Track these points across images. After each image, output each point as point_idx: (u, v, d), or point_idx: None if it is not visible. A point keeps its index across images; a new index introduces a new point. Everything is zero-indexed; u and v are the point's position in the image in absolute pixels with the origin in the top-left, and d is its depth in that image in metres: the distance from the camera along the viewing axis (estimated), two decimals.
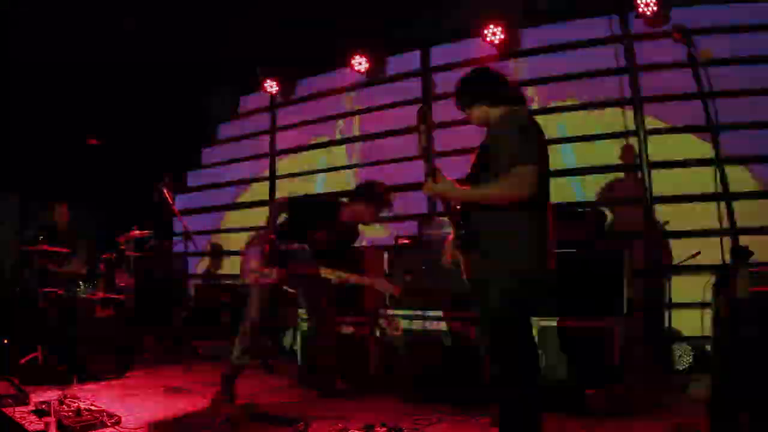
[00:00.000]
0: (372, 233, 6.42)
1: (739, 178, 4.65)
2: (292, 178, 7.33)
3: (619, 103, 5.27)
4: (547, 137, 2.80)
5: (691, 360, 4.31)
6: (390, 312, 4.48)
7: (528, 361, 2.67)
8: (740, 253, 2.23)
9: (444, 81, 6.14)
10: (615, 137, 5.30)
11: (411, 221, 5.99)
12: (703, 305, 4.21)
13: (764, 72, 4.73)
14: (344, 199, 4.33)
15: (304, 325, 4.80)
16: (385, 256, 4.97)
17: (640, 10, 4.92)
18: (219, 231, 7.91)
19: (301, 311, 4.81)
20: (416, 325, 4.29)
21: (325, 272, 4.08)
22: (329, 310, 4.34)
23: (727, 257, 2.28)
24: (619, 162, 5.30)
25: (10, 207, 7.11)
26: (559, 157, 5.44)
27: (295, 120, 7.37)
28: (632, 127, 5.19)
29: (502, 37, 5.58)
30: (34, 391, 3.92)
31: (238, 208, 7.79)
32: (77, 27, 6.20)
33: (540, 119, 2.84)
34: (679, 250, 4.88)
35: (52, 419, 3.17)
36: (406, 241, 4.98)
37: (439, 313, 4.24)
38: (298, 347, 5.00)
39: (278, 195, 7.34)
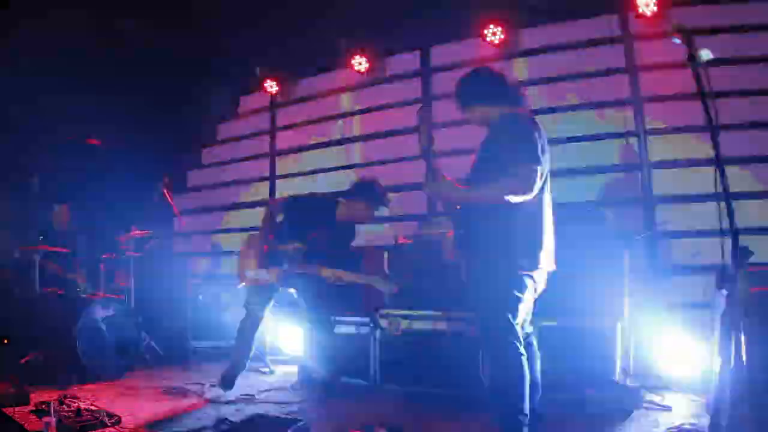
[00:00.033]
0: (372, 233, 6.42)
1: (739, 178, 4.65)
2: (292, 178, 7.32)
3: (619, 103, 5.27)
4: (547, 137, 2.80)
5: (690, 360, 4.30)
6: (390, 312, 4.47)
7: (526, 361, 2.67)
8: (740, 253, 2.22)
9: (444, 81, 6.14)
10: (615, 137, 5.30)
11: (411, 221, 5.99)
12: (703, 305, 4.22)
13: (764, 72, 4.73)
14: (340, 198, 4.32)
15: (305, 325, 4.80)
16: (385, 256, 4.97)
17: (640, 10, 4.92)
18: (219, 231, 7.90)
19: (301, 311, 4.80)
20: (416, 325, 4.29)
21: (323, 271, 4.08)
22: (328, 310, 4.34)
23: (727, 257, 2.28)
24: (619, 162, 5.29)
25: (10, 207, 7.11)
26: (559, 157, 5.43)
27: (295, 120, 7.37)
28: (632, 127, 5.18)
29: (502, 37, 5.58)
30: (34, 391, 3.92)
31: (238, 208, 7.78)
32: (77, 27, 6.20)
33: (540, 119, 2.84)
34: (679, 250, 4.88)
35: (52, 419, 3.17)
36: (406, 241, 4.98)
37: (439, 313, 4.23)
38: (298, 347, 5.00)
39: (278, 195, 7.34)
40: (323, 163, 7.10)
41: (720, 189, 2.20)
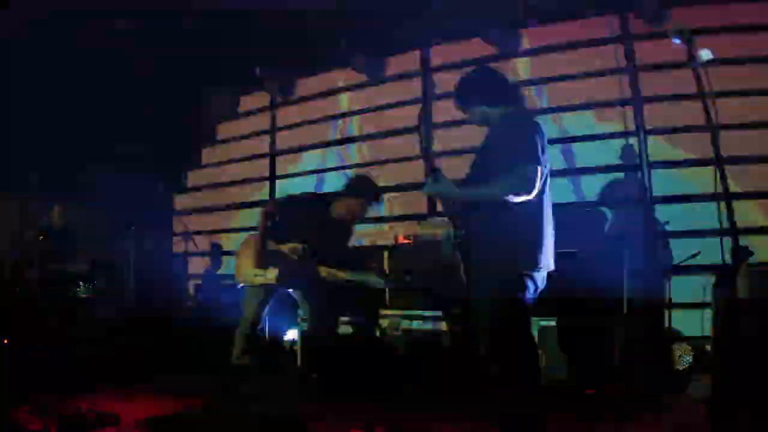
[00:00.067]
0: (372, 233, 6.43)
1: (739, 178, 4.65)
2: (292, 178, 7.32)
3: (619, 103, 5.27)
4: (547, 137, 2.80)
5: (691, 360, 4.30)
6: (390, 312, 4.48)
7: (528, 361, 2.67)
8: (740, 253, 2.23)
9: (444, 81, 6.14)
10: (615, 137, 5.30)
11: (411, 221, 5.99)
12: (703, 305, 4.22)
13: (764, 72, 4.73)
14: (335, 196, 4.32)
15: (304, 325, 4.80)
16: (385, 256, 4.97)
17: (640, 10, 4.92)
18: (219, 231, 7.91)
19: (300, 311, 4.81)
20: (416, 325, 4.29)
21: (320, 271, 4.09)
22: (327, 310, 4.33)
23: (727, 257, 2.28)
24: (619, 162, 5.30)
25: (10, 207, 7.11)
26: (560, 157, 5.44)
27: (295, 120, 7.37)
28: (632, 127, 5.19)
29: (502, 37, 5.58)
30: (35, 391, 3.92)
31: (238, 208, 7.78)
32: (77, 26, 6.20)
33: (540, 119, 2.84)
34: (679, 250, 4.88)
35: (52, 419, 3.18)
36: (406, 241, 4.98)
37: (439, 313, 4.23)
38: (298, 347, 5.00)
39: (278, 195, 7.34)
40: (323, 163, 7.11)
41: (720, 189, 2.20)
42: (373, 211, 4.39)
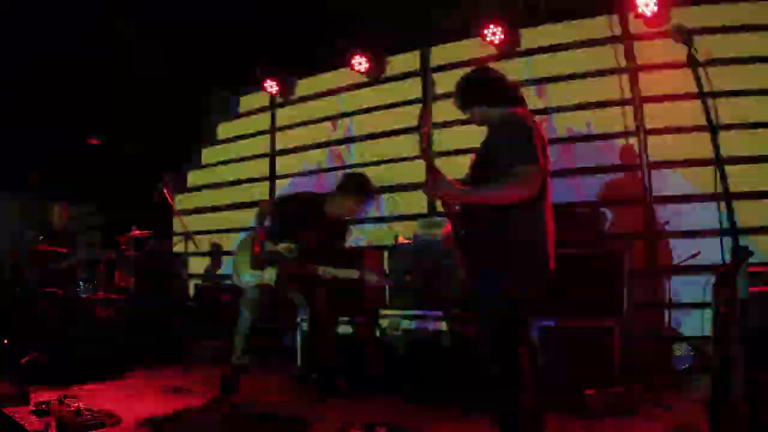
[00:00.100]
0: (372, 233, 6.43)
1: (739, 178, 4.65)
2: (292, 178, 7.32)
3: (619, 103, 5.27)
4: (547, 137, 2.80)
5: (691, 360, 4.30)
6: (390, 312, 4.48)
7: (526, 361, 2.67)
8: (740, 253, 2.22)
9: (444, 81, 6.14)
10: (615, 137, 5.30)
11: (411, 221, 5.99)
12: (703, 305, 4.22)
13: (764, 72, 4.73)
14: (329, 195, 4.32)
15: (304, 325, 4.80)
16: (385, 255, 4.98)
17: (640, 10, 4.92)
18: (219, 231, 7.91)
19: (299, 311, 4.81)
20: (416, 325, 4.29)
21: (317, 270, 4.09)
22: (326, 309, 4.33)
23: (727, 257, 2.28)
24: (619, 162, 5.29)
25: (10, 207, 7.11)
26: (560, 156, 5.44)
27: (295, 120, 7.37)
28: (632, 127, 5.18)
29: (502, 37, 5.58)
30: (35, 391, 3.92)
31: (238, 208, 7.78)
32: (77, 26, 6.20)
33: (540, 119, 2.84)
34: (679, 250, 4.88)
35: (52, 419, 3.18)
36: (406, 241, 4.98)
37: (439, 313, 4.24)
38: (298, 347, 5.01)
39: (278, 195, 7.34)
40: (323, 163, 7.11)
41: (720, 189, 2.20)
42: (373, 211, 4.39)
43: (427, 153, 2.78)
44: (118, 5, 6.16)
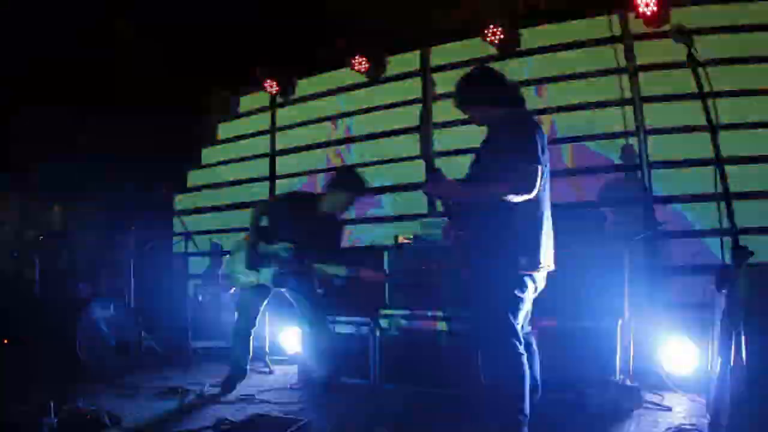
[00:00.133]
0: (372, 233, 6.43)
1: (739, 178, 4.65)
2: (292, 178, 7.32)
3: (619, 103, 5.27)
4: (547, 137, 2.80)
5: (691, 360, 4.29)
6: (390, 312, 4.47)
7: (525, 361, 2.67)
8: (740, 253, 2.22)
9: (444, 81, 6.14)
10: (615, 137, 5.30)
11: (411, 221, 5.99)
12: (703, 305, 4.21)
13: (764, 72, 4.73)
14: (321, 192, 4.32)
15: (303, 325, 4.80)
16: (385, 256, 4.97)
17: (640, 10, 4.92)
18: (219, 231, 7.91)
19: (297, 310, 4.80)
20: (416, 325, 4.28)
21: (313, 268, 4.09)
22: (324, 308, 4.33)
23: (727, 257, 2.28)
24: (619, 162, 5.30)
25: (10, 207, 7.11)
26: (560, 156, 5.44)
27: (295, 120, 7.37)
28: (632, 127, 5.18)
29: (502, 37, 5.58)
30: (35, 391, 3.92)
31: (238, 208, 7.78)
32: (77, 26, 6.21)
33: (540, 119, 2.84)
34: (679, 250, 4.88)
35: (52, 419, 3.17)
36: (406, 241, 4.97)
37: (439, 313, 4.23)
38: (297, 347, 5.00)
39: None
40: (323, 163, 7.11)
41: (720, 189, 2.20)
42: (372, 211, 4.39)
43: (427, 153, 2.79)
44: (118, 5, 6.17)
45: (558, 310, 3.79)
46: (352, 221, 6.63)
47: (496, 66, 3.29)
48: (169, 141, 7.69)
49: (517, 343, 2.67)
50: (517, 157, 2.56)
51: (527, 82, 5.60)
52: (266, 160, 7.60)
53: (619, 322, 3.78)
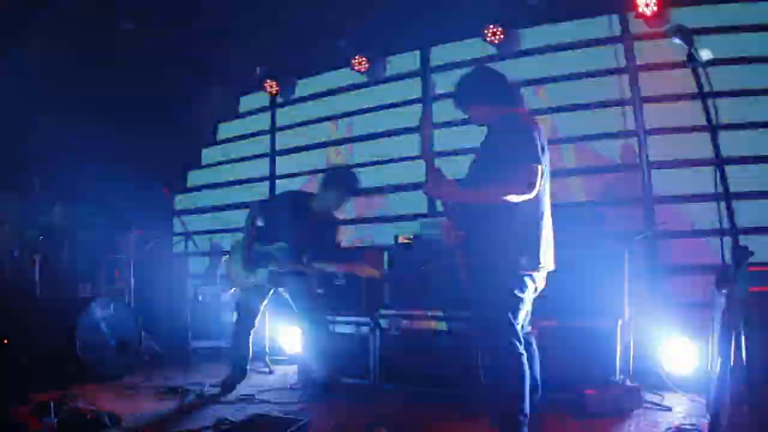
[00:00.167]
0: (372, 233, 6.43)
1: (739, 178, 4.65)
2: (292, 178, 7.32)
3: (619, 103, 5.27)
4: (547, 137, 2.80)
5: (691, 360, 4.30)
6: (390, 312, 4.47)
7: (525, 361, 2.67)
8: (740, 253, 2.22)
9: (444, 81, 6.14)
10: (615, 137, 5.30)
11: (411, 221, 6.00)
12: (703, 305, 4.21)
13: (764, 72, 4.73)
14: (314, 191, 4.32)
15: (302, 325, 4.80)
16: (385, 255, 4.97)
17: (640, 10, 4.92)
18: (219, 231, 7.91)
19: (295, 310, 4.80)
20: (416, 325, 4.29)
21: (309, 267, 4.10)
22: (321, 308, 4.33)
23: (727, 257, 2.28)
24: (619, 162, 5.30)
25: (10, 207, 7.10)
26: (559, 156, 5.44)
27: (295, 120, 7.37)
28: (632, 127, 5.18)
29: (502, 37, 5.58)
30: (35, 391, 3.92)
31: (238, 208, 7.78)
32: (77, 26, 6.20)
33: (540, 119, 2.84)
34: (679, 250, 4.88)
35: (52, 419, 3.17)
36: (406, 241, 4.98)
37: (439, 313, 4.23)
38: (297, 347, 5.00)
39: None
40: (323, 163, 7.10)
41: (720, 189, 2.20)
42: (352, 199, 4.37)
43: (427, 153, 2.79)
44: (118, 5, 6.16)
45: (558, 310, 3.80)
46: (352, 221, 6.64)
47: (496, 66, 3.29)
48: (169, 141, 7.68)
49: (518, 343, 2.67)
50: (516, 157, 2.56)
51: (527, 82, 5.60)
52: (266, 160, 7.60)
53: (619, 322, 3.78)
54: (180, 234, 7.09)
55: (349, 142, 6.92)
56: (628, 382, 3.68)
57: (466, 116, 2.95)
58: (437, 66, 6.28)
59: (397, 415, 3.57)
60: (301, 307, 4.28)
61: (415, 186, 6.03)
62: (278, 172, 7.50)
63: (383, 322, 4.36)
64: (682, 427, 3.20)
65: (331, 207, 4.23)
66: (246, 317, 4.33)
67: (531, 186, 2.55)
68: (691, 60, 2.34)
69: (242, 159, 7.86)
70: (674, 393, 3.93)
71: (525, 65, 5.74)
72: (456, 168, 2.95)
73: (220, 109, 8.02)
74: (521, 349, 2.68)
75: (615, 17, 5.29)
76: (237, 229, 7.52)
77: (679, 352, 4.20)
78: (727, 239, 2.19)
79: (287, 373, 5.04)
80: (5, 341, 4.78)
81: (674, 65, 4.92)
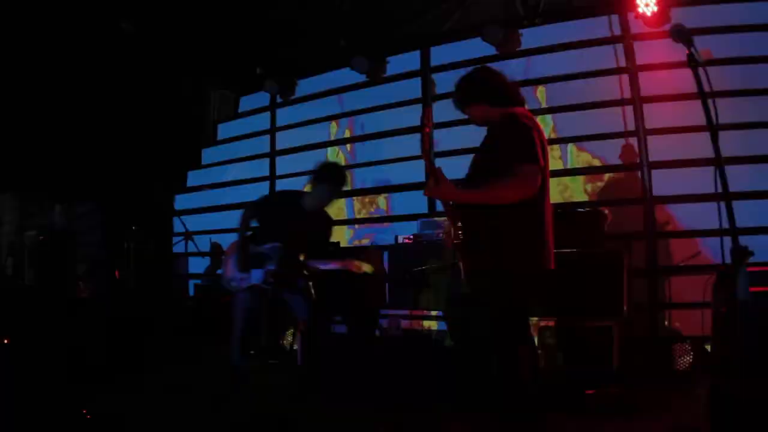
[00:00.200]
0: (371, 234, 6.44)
1: (739, 178, 4.65)
2: (292, 178, 7.32)
3: (619, 103, 5.27)
4: (547, 137, 2.80)
5: (691, 360, 4.30)
6: (390, 312, 4.48)
7: (526, 359, 2.67)
8: (740, 253, 2.22)
9: (444, 81, 6.14)
10: (615, 137, 5.30)
11: (411, 221, 6.00)
12: (703, 305, 4.22)
13: (765, 72, 4.73)
14: (305, 189, 4.33)
15: (300, 324, 4.80)
16: (385, 255, 4.98)
17: (640, 10, 4.92)
18: (219, 231, 7.91)
19: (293, 310, 4.80)
20: (416, 324, 4.29)
21: (304, 265, 4.10)
22: (318, 307, 4.33)
23: (727, 257, 2.28)
24: (619, 162, 5.30)
25: (10, 207, 7.11)
26: (560, 156, 5.45)
27: (295, 120, 7.38)
28: (632, 127, 5.18)
29: (502, 37, 5.58)
30: (34, 392, 3.91)
31: (238, 208, 7.78)
32: (78, 26, 6.21)
33: (540, 119, 2.84)
34: (679, 250, 4.88)
35: (52, 419, 3.17)
36: (407, 241, 4.98)
37: (439, 313, 4.24)
38: (296, 346, 5.00)
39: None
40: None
41: (720, 189, 2.20)
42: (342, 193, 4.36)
43: (428, 154, 2.79)
44: (119, 5, 6.17)
45: (558, 310, 3.80)
46: (355, 221, 6.65)
47: (496, 66, 3.29)
48: (169, 141, 7.69)
49: (529, 339, 2.68)
50: (516, 157, 2.56)
51: (527, 82, 5.60)
52: (266, 160, 7.60)
53: (619, 321, 3.78)
54: (180, 234, 7.11)
55: (349, 142, 6.92)
56: (628, 382, 3.68)
57: (466, 116, 2.95)
58: (437, 66, 6.28)
59: (398, 415, 3.57)
60: (298, 307, 4.28)
61: (415, 186, 6.03)
62: (278, 172, 7.50)
63: (383, 322, 4.36)
64: (682, 426, 3.20)
65: (322, 203, 4.23)
66: (244, 318, 4.33)
67: (531, 186, 2.55)
68: (691, 60, 2.34)
69: (242, 159, 7.87)
70: (674, 391, 3.93)
71: (525, 65, 5.74)
72: (456, 168, 2.95)
73: (220, 109, 8.03)
74: (521, 348, 2.68)
75: (615, 17, 5.29)
76: (237, 229, 7.54)
77: (679, 352, 4.21)
78: (727, 239, 2.19)
79: (287, 371, 5.04)
80: (5, 341, 4.78)
81: (674, 65, 4.93)
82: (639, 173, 5.12)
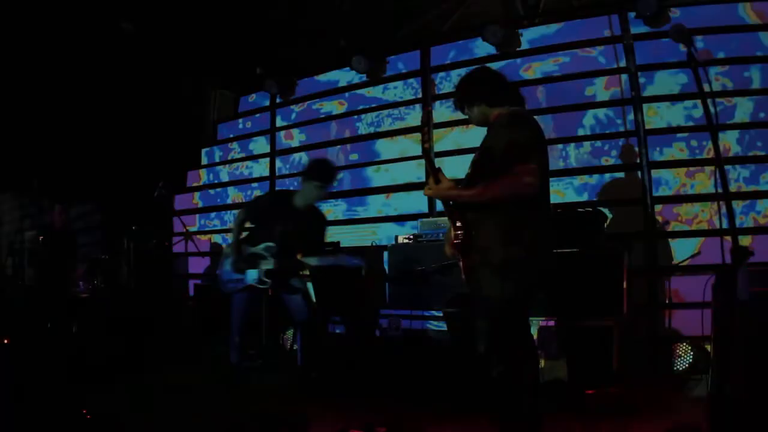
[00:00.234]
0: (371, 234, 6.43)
1: (739, 177, 4.65)
2: (292, 177, 7.33)
3: (619, 103, 5.27)
4: (546, 137, 2.80)
5: (691, 360, 4.30)
6: (390, 312, 4.48)
7: (527, 360, 2.67)
8: (740, 253, 2.22)
9: (444, 81, 6.15)
10: (615, 137, 5.30)
11: (411, 221, 6.00)
12: (703, 305, 4.21)
13: (765, 72, 4.73)
14: (296, 188, 4.33)
15: (299, 324, 4.80)
16: (385, 255, 4.98)
17: (640, 10, 4.92)
18: (219, 231, 7.91)
19: (290, 310, 4.81)
20: (416, 324, 4.29)
21: (300, 264, 4.11)
22: (314, 307, 4.33)
23: (727, 257, 2.28)
24: (619, 162, 5.30)
25: (10, 207, 7.12)
26: (559, 156, 5.45)
27: (295, 120, 7.38)
28: (632, 127, 5.18)
29: (503, 37, 5.58)
30: (35, 392, 3.92)
31: (238, 208, 7.78)
32: (78, 26, 6.21)
33: (540, 119, 2.84)
34: (679, 250, 4.88)
35: (52, 420, 3.17)
36: (406, 241, 4.98)
37: (439, 313, 4.24)
38: (295, 346, 5.01)
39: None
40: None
41: (720, 189, 2.20)
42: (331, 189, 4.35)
43: (428, 153, 2.79)
44: (119, 5, 6.17)
45: (558, 310, 3.80)
46: (354, 221, 6.64)
47: (496, 66, 3.29)
48: (169, 141, 7.69)
49: (530, 339, 2.69)
50: (516, 157, 2.56)
51: (527, 82, 5.60)
52: (266, 160, 7.60)
53: (619, 321, 3.78)
54: (180, 234, 7.10)
55: (349, 142, 6.92)
56: (628, 382, 3.68)
57: (466, 116, 2.95)
58: (437, 66, 6.28)
59: (397, 415, 3.57)
60: (294, 306, 4.28)
61: (415, 186, 6.03)
62: (278, 172, 7.50)
63: (383, 322, 4.36)
64: (682, 426, 3.20)
65: (313, 200, 4.23)
66: (242, 318, 4.34)
67: (530, 186, 2.55)
68: (691, 60, 2.34)
69: (242, 159, 7.87)
70: (674, 392, 3.93)
71: (525, 65, 5.74)
72: (456, 168, 2.95)
73: (220, 109, 8.02)
74: (521, 348, 2.68)
75: (615, 17, 5.29)
76: None
77: (679, 352, 4.21)
78: (727, 239, 2.19)
79: (287, 371, 5.04)
80: (5, 341, 4.79)
81: (674, 65, 4.93)
82: (639, 173, 5.11)
